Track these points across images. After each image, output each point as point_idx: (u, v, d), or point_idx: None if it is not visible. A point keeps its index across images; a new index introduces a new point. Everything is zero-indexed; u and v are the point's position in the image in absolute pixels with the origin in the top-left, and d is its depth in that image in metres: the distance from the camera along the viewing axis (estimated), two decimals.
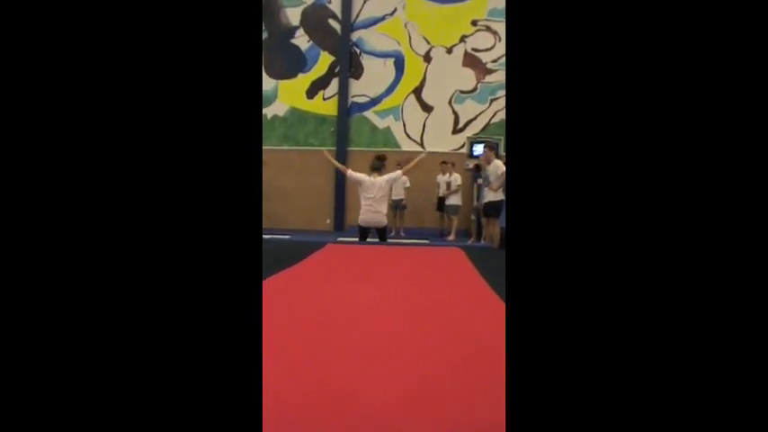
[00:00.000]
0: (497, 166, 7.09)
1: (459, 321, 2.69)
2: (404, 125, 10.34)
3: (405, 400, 1.57)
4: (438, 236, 8.74)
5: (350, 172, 6.03)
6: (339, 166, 6.64)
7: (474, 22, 10.14)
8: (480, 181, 8.35)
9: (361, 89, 10.41)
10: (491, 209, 7.17)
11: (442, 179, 8.85)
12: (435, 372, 1.83)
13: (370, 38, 10.36)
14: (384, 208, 5.73)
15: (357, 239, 5.86)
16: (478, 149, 9.09)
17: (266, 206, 9.47)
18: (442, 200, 8.88)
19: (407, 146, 10.27)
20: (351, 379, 1.73)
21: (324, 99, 10.48)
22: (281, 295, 3.17)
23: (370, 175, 5.90)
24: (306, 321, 2.56)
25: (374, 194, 5.65)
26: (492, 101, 10.12)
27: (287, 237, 7.36)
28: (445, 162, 8.86)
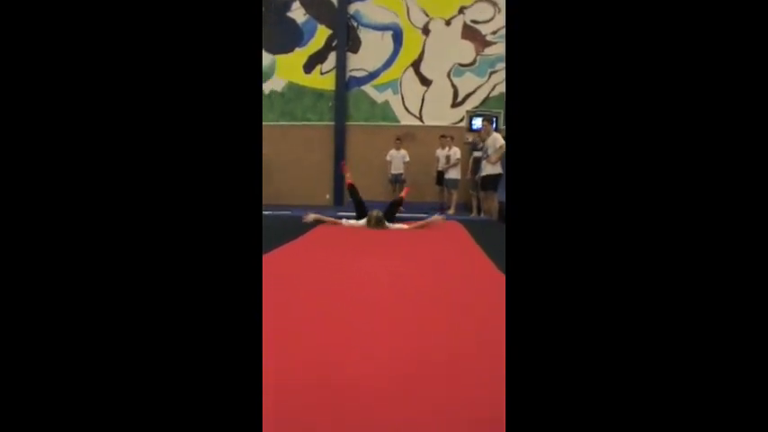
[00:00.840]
0: (495, 139, 7.08)
1: (458, 292, 2.73)
2: (402, 99, 10.27)
3: (401, 373, 1.61)
4: (438, 210, 8.75)
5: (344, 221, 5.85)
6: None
7: None
8: (477, 154, 8.34)
9: (358, 63, 10.32)
10: (489, 182, 7.18)
11: (441, 153, 8.83)
12: (433, 342, 1.87)
13: (367, 10, 10.23)
14: None
15: (356, 214, 5.88)
16: (477, 123, 9.06)
17: (265, 182, 9.47)
18: (441, 174, 8.87)
19: (406, 120, 10.22)
20: (344, 349, 1.77)
21: (321, 73, 10.39)
22: (281, 269, 3.20)
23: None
24: (305, 295, 2.60)
25: None
26: (491, 74, 10.04)
27: (287, 212, 7.38)
28: (444, 136, 8.83)
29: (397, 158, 9.11)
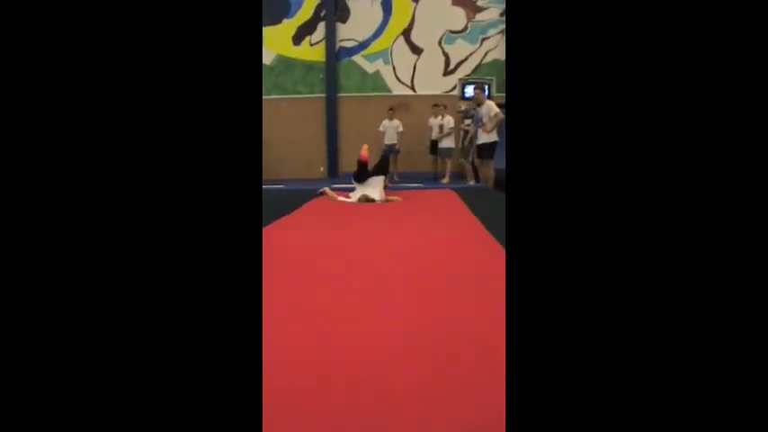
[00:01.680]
0: (489, 107, 7.04)
1: (451, 259, 2.75)
2: (394, 69, 10.17)
3: (396, 336, 1.64)
4: (432, 179, 8.74)
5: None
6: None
7: None
8: (467, 123, 8.31)
9: (348, 33, 10.17)
10: (485, 150, 7.16)
11: (434, 122, 8.79)
12: (429, 311, 1.90)
13: None
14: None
15: (352, 186, 5.87)
16: (470, 91, 8.98)
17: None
18: (434, 143, 8.84)
19: (398, 90, 10.13)
20: (346, 319, 1.80)
21: (311, 45, 10.25)
22: (280, 242, 3.22)
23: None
24: (302, 266, 2.62)
25: None
26: (483, 40, 9.93)
27: (281, 186, 7.36)
28: (437, 105, 8.78)
29: (391, 129, 9.04)
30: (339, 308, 1.91)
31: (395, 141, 9.01)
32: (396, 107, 9.36)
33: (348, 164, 8.97)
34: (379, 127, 9.12)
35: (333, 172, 10.17)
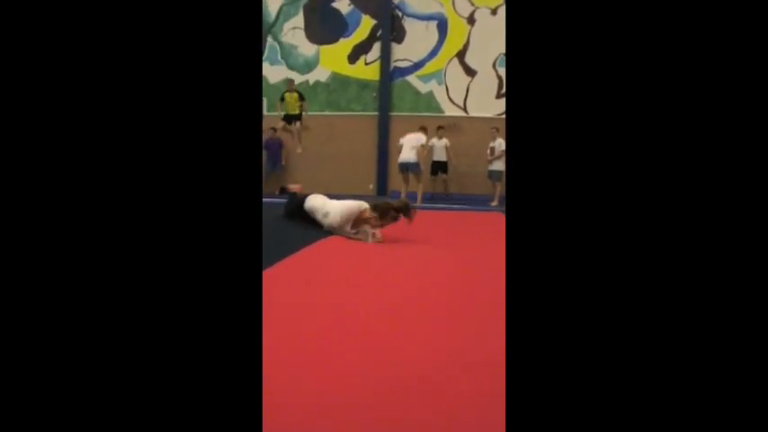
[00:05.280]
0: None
1: (487, 280, 2.73)
2: (447, 90, 10.21)
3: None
4: (483, 202, 8.68)
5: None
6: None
7: None
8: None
9: (403, 53, 10.30)
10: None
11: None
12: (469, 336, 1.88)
13: (412, 0, 10.19)
14: None
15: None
16: None
17: (309, 172, 9.60)
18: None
19: (450, 110, 10.16)
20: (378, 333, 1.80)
21: (366, 64, 10.42)
22: (323, 258, 3.26)
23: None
24: (343, 284, 2.64)
25: None
26: None
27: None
28: (495, 128, 8.73)
29: (439, 146, 9.11)
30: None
31: (444, 158, 9.06)
32: (446, 126, 9.38)
33: (397, 182, 9.00)
34: (399, 141, 8.55)
35: (382, 190, 10.24)
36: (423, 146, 8.19)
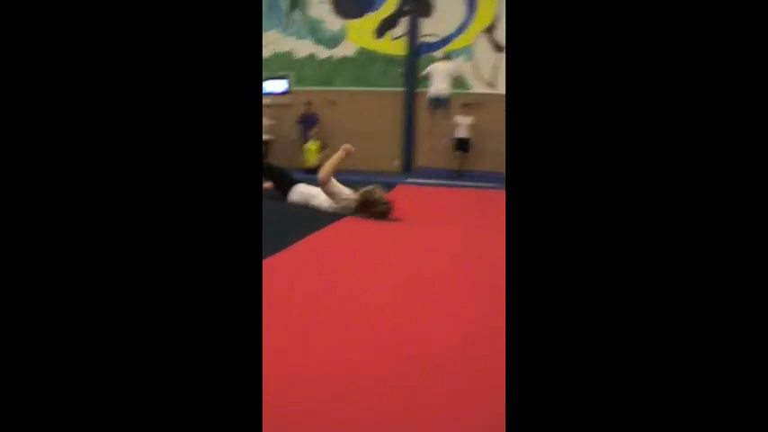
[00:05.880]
0: None
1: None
2: (475, 66, 10.08)
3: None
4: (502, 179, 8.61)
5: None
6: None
7: None
8: None
9: (430, 28, 10.15)
10: None
11: None
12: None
13: None
14: None
15: (426, 181, 5.80)
16: None
17: (334, 149, 9.50)
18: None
19: (478, 87, 10.03)
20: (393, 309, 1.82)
21: (393, 39, 10.32)
22: (350, 236, 3.29)
23: None
24: (365, 265, 2.67)
25: None
26: None
27: (355, 179, 7.43)
28: None
29: (463, 124, 9.16)
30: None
31: (467, 136, 9.13)
32: (471, 103, 9.29)
33: (422, 159, 8.97)
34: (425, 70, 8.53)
35: (407, 167, 10.21)
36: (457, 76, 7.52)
